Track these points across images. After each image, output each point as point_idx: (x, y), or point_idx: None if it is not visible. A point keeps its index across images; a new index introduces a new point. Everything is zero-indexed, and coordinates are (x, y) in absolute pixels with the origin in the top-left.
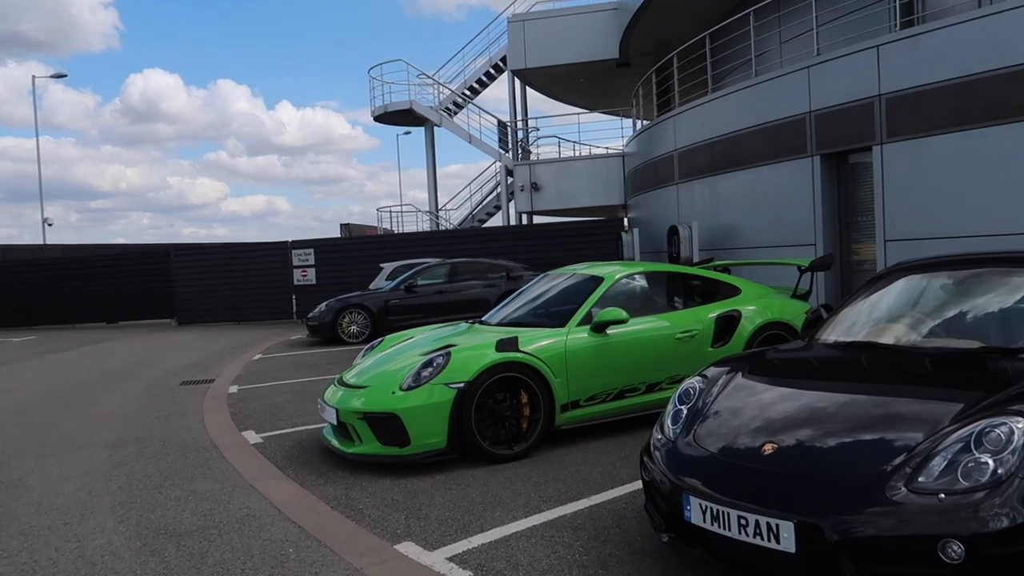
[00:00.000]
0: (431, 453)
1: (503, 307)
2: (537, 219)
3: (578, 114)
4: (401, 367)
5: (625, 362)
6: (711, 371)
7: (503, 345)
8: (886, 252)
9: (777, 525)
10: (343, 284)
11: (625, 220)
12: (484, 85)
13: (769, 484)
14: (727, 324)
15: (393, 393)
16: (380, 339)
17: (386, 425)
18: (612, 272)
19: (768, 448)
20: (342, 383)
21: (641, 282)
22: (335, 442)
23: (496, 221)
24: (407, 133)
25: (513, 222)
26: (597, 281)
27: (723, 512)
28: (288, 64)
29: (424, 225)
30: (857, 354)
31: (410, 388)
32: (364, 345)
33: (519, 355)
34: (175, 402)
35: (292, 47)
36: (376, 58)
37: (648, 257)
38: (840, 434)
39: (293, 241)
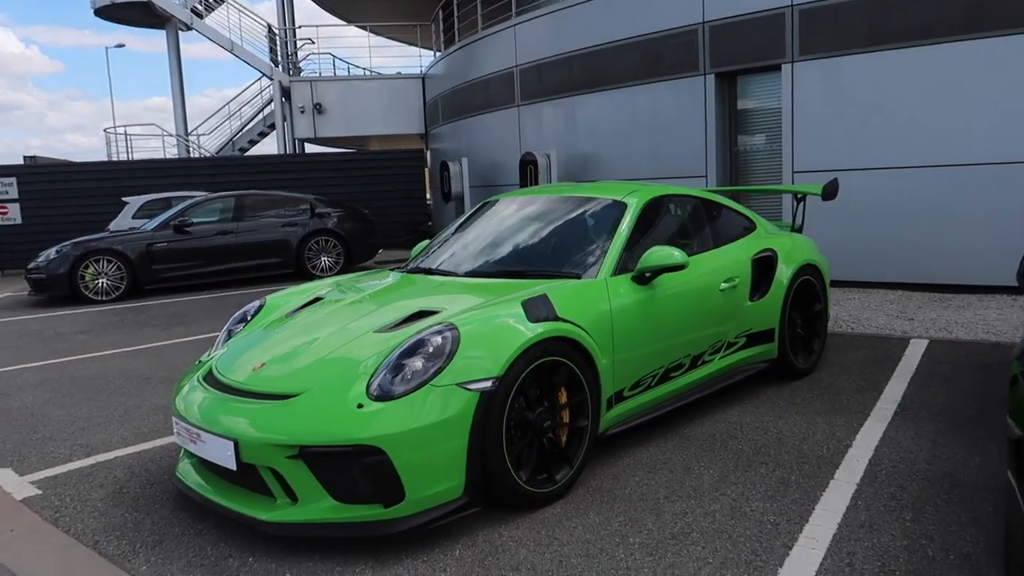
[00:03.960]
0: (440, 510)
1: (446, 247)
2: (311, 148)
3: (364, 25)
4: (352, 350)
5: (673, 327)
6: None
7: (535, 309)
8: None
9: None
10: (63, 224)
11: (427, 151)
12: None
13: None
14: (763, 269)
15: (360, 407)
16: (259, 302)
17: (354, 467)
18: (635, 195)
19: None
20: (214, 382)
21: (670, 210)
22: (219, 498)
23: (263, 149)
24: (120, 46)
25: (289, 150)
26: (620, 208)
27: None
28: None
29: (171, 153)
30: None
31: (389, 396)
32: (119, 304)
33: (564, 326)
34: None
35: None
36: None
37: (480, 192)
38: None
39: None
